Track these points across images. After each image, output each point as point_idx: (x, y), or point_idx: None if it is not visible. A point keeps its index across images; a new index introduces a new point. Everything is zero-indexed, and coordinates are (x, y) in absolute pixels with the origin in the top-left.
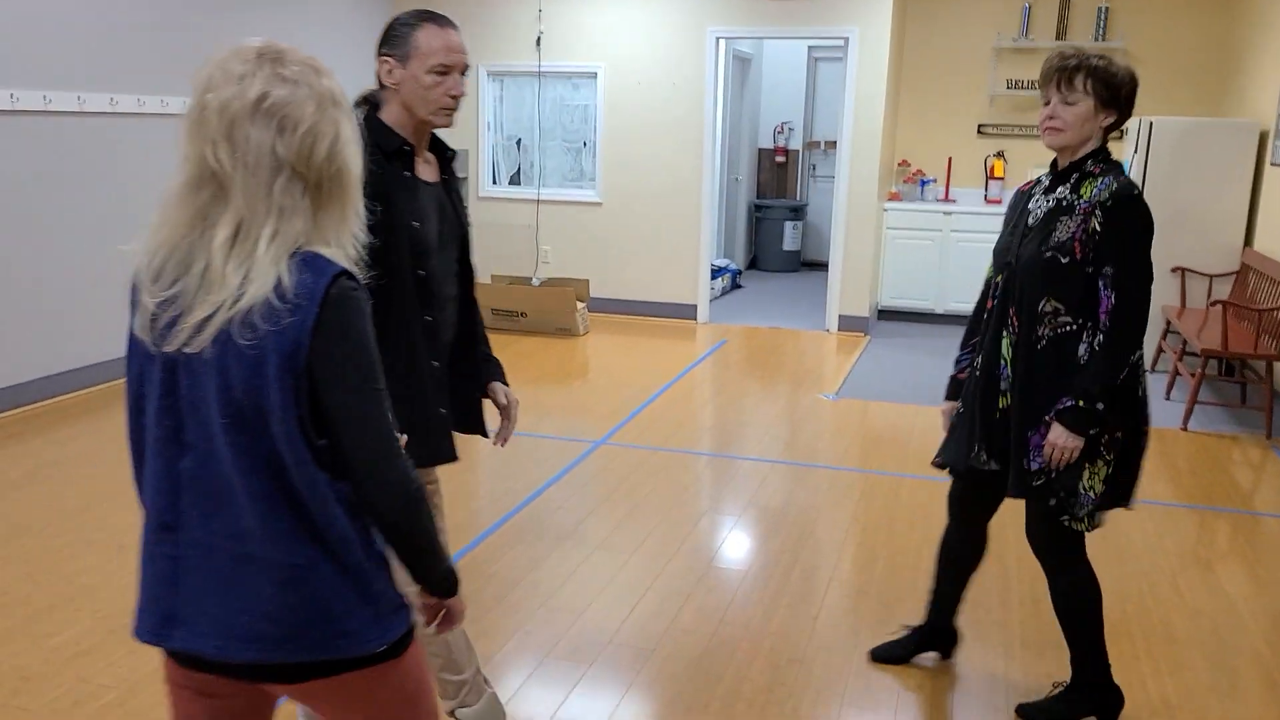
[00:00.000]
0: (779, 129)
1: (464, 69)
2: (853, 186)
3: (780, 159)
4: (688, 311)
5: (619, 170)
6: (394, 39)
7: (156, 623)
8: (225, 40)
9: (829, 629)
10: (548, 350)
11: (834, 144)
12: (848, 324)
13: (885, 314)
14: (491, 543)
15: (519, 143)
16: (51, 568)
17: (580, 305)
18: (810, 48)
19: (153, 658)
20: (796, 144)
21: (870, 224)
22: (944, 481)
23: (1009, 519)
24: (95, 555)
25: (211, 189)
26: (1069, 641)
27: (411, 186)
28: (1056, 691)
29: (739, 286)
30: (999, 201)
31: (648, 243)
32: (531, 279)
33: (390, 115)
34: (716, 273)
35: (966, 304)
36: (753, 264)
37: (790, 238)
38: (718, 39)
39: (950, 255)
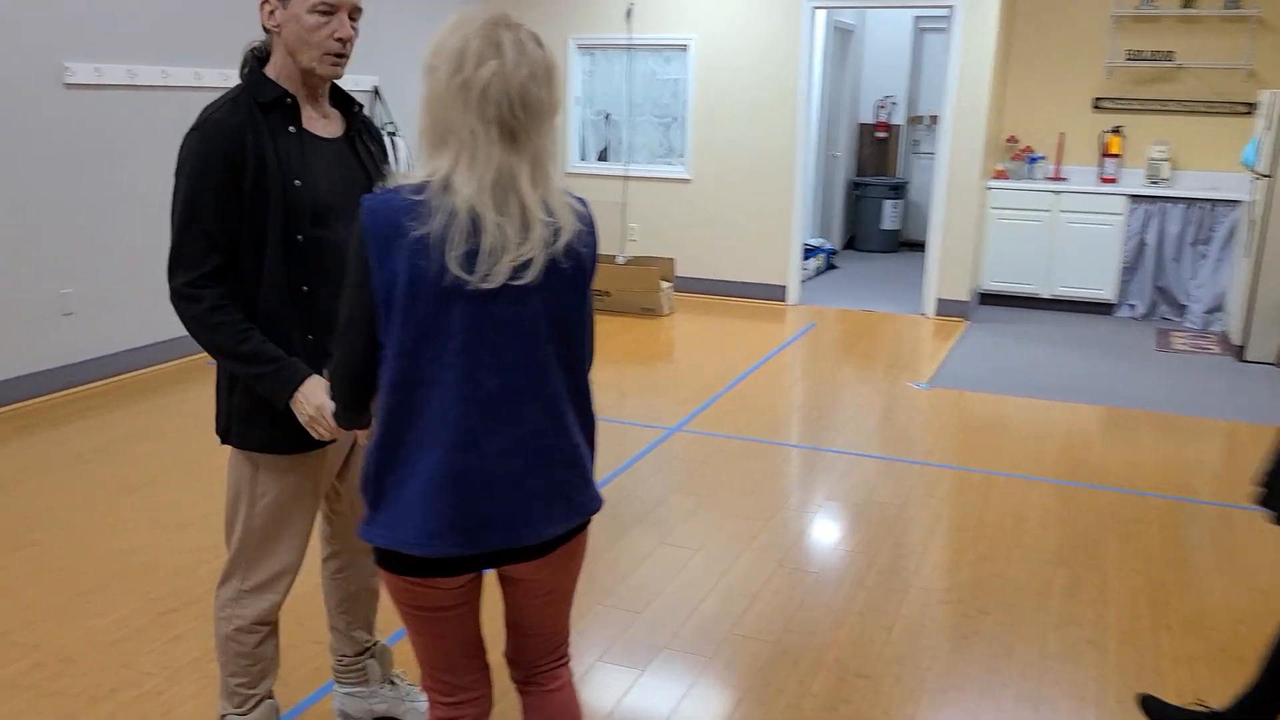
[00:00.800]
0: (881, 103)
1: (354, 10)
2: (954, 163)
3: (881, 135)
4: (777, 293)
5: (709, 146)
6: None
7: (472, 532)
8: None
9: (904, 641)
10: (630, 330)
11: (938, 119)
12: (946, 308)
13: (987, 298)
14: None
15: (608, 117)
16: (107, 543)
17: (665, 285)
18: (916, 18)
19: (200, 643)
20: (899, 119)
21: (972, 203)
22: (1044, 482)
23: None
24: (153, 533)
25: (499, 128)
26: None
27: (296, 142)
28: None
29: (834, 267)
30: (1114, 180)
31: (737, 221)
32: (616, 257)
33: (275, 66)
34: (810, 253)
35: (1075, 289)
36: (849, 244)
37: (890, 217)
38: (815, 9)
39: (1059, 237)
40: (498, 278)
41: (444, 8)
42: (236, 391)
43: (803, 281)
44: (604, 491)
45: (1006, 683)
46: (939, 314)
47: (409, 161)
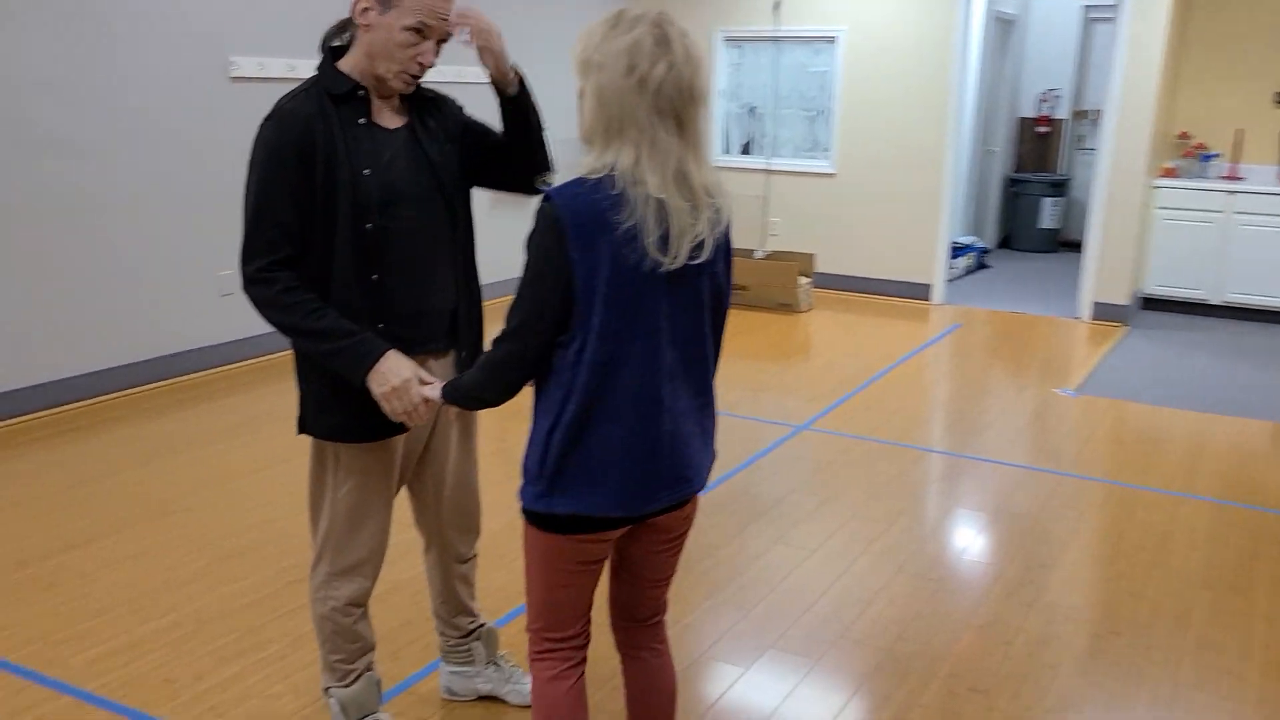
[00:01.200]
0: (1044, 97)
1: (444, 38)
2: (1117, 160)
3: (1043, 129)
4: (921, 291)
5: (856, 140)
6: None
7: (656, 489)
8: None
9: (1024, 658)
10: (766, 326)
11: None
12: (1102, 312)
13: (1149, 303)
14: None
15: (752, 110)
16: (249, 514)
17: (804, 280)
18: (1085, 6)
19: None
20: (1063, 113)
21: (1135, 202)
22: (1195, 499)
23: None
24: (291, 506)
25: (669, 122)
26: None
27: (366, 133)
28: None
29: (985, 266)
30: None
31: (882, 217)
32: (755, 251)
33: (351, 60)
34: (960, 251)
35: (1249, 295)
36: (1005, 242)
37: (1049, 215)
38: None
39: (1233, 240)
40: (681, 259)
41: (594, 7)
42: (313, 380)
43: (950, 280)
44: (725, 487)
45: (1132, 708)
46: (1095, 318)
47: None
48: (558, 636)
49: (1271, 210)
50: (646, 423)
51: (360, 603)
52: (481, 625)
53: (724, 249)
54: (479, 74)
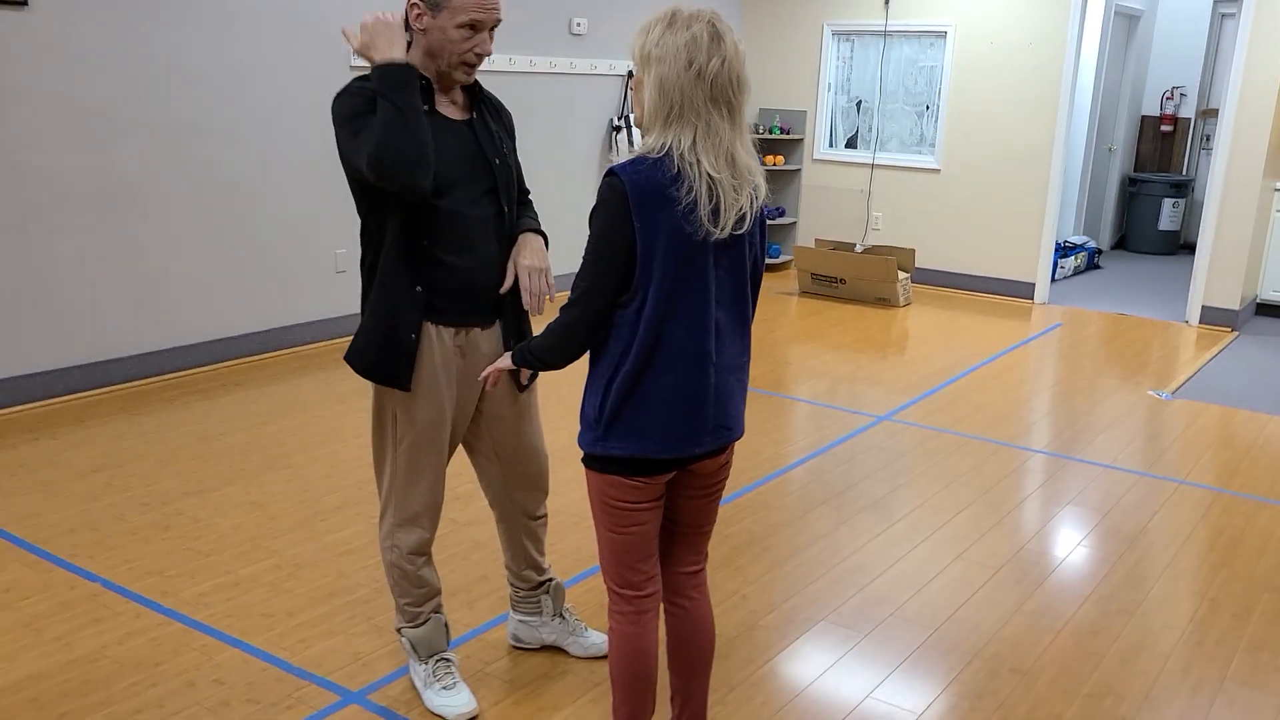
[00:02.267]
0: (1168, 94)
1: (495, 25)
2: (1234, 161)
3: (1167, 128)
4: (1024, 290)
5: (962, 136)
6: None
7: (700, 434)
8: None
9: (1069, 645)
10: (861, 319)
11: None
12: (1212, 316)
13: (1264, 309)
14: (750, 499)
15: (859, 105)
16: (349, 473)
17: (903, 275)
18: (1215, 1)
19: None
20: (1188, 112)
21: (1252, 205)
22: (1275, 504)
23: None
24: None
25: (722, 111)
26: None
27: (428, 119)
28: None
29: (1097, 267)
30: None
31: (986, 214)
32: (855, 245)
33: (412, 55)
34: (1070, 250)
35: None
36: (1120, 243)
37: (1169, 216)
38: None
39: None
40: (728, 229)
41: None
42: (398, 336)
43: (1058, 280)
44: (798, 471)
45: (1172, 699)
46: (1203, 322)
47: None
48: (630, 591)
49: None
50: (695, 374)
51: (422, 551)
52: (550, 580)
53: (760, 221)
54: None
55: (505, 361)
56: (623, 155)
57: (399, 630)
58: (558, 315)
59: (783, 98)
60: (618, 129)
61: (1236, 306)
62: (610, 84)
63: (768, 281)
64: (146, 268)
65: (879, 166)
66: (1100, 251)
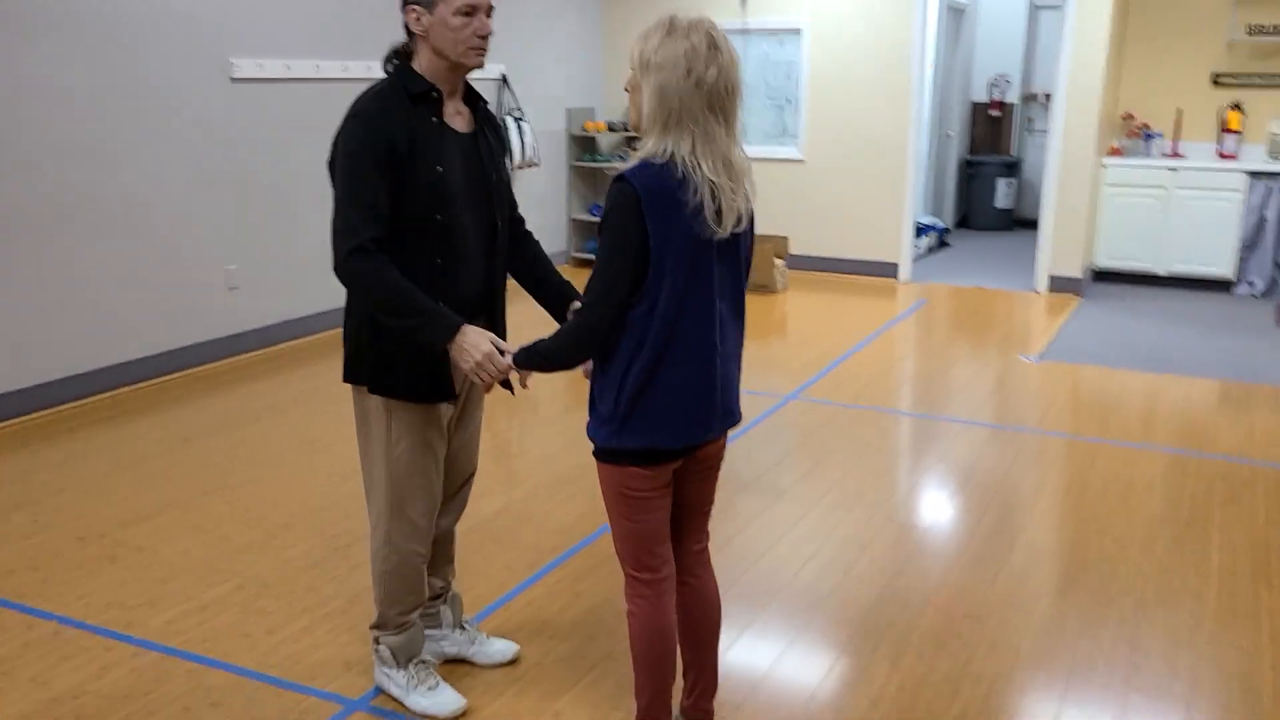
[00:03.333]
0: (994, 82)
1: (489, 8)
2: (1068, 141)
3: (995, 113)
4: (889, 270)
5: (822, 127)
6: None
7: (710, 421)
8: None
9: (1009, 588)
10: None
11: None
12: (1058, 285)
13: (1100, 275)
14: None
15: None
16: (288, 489)
17: (779, 262)
18: None
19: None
20: (1013, 97)
21: (1085, 180)
22: (1150, 449)
23: None
24: (324, 480)
25: (718, 117)
26: None
27: (437, 132)
28: None
29: (946, 245)
30: (1234, 157)
31: (850, 200)
32: None
33: (421, 63)
34: (922, 231)
35: (1192, 266)
36: (963, 222)
37: (1003, 195)
38: None
39: (1176, 214)
40: (728, 229)
41: (565, 2)
42: (380, 342)
43: (915, 259)
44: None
45: (1105, 624)
46: (1051, 290)
47: (534, 145)
48: (649, 574)
49: (1210, 185)
50: (703, 365)
51: (424, 555)
52: (449, 590)
53: (751, 218)
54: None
55: (506, 362)
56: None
57: (377, 640)
58: (573, 317)
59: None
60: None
61: (1079, 274)
62: (484, 88)
63: None
64: (26, 294)
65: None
66: (948, 230)
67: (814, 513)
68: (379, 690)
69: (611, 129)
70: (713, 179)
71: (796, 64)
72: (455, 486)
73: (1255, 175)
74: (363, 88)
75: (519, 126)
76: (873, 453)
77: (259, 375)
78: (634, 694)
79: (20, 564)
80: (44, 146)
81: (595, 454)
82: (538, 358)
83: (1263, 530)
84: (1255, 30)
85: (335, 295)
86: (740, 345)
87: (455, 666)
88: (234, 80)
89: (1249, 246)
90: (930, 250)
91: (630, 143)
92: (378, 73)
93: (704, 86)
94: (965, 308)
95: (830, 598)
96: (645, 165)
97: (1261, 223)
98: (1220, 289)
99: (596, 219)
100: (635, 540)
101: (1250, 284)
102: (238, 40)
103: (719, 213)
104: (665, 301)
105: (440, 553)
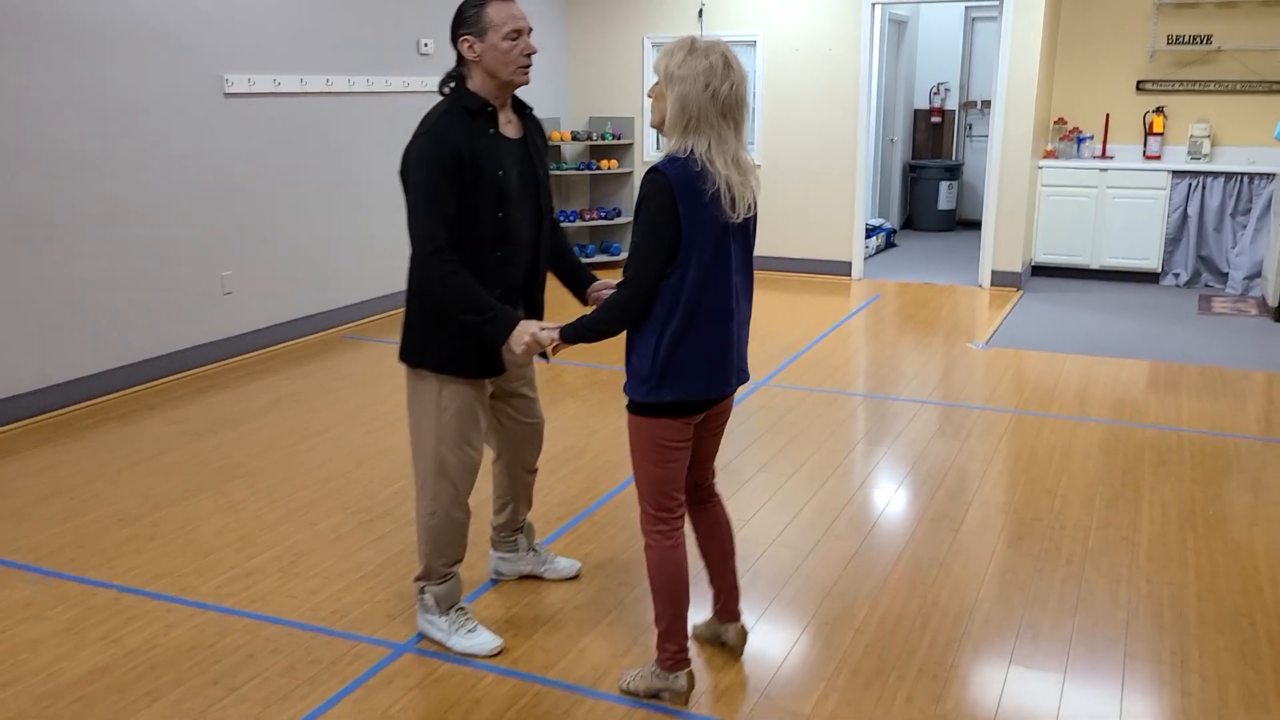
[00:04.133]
0: (935, 90)
1: (530, 30)
2: (1006, 145)
3: (936, 119)
4: (843, 269)
5: (777, 134)
6: (468, 20)
7: (729, 377)
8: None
9: (968, 539)
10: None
11: (990, 103)
12: (1001, 279)
13: (1039, 270)
14: None
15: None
16: (305, 474)
17: None
18: (967, 8)
19: (399, 541)
20: (953, 104)
21: (1024, 182)
22: (1088, 422)
23: None
24: (338, 465)
25: (729, 123)
26: None
27: (495, 141)
28: None
29: (893, 245)
30: (1158, 158)
31: (805, 203)
32: None
33: (475, 83)
34: (871, 232)
35: (1122, 259)
36: (908, 223)
37: (945, 197)
38: (874, 5)
39: (1106, 212)
40: (740, 216)
41: (532, 14)
42: (443, 328)
43: (866, 258)
44: None
45: (1055, 568)
46: (995, 284)
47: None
48: (666, 514)
49: (1137, 184)
50: (724, 329)
51: (465, 514)
52: (526, 521)
53: (755, 204)
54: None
55: (554, 334)
56: None
57: (422, 590)
58: (615, 292)
59: (611, 106)
60: None
61: (1019, 269)
62: None
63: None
64: (46, 300)
65: None
66: (895, 231)
67: (790, 483)
68: (421, 635)
69: (576, 139)
70: (725, 173)
71: (752, 73)
72: (524, 439)
73: (1177, 174)
74: (346, 101)
75: None
76: (840, 431)
77: (256, 375)
78: (654, 621)
79: (68, 543)
80: (50, 158)
81: (631, 409)
82: (585, 331)
83: (1189, 487)
84: (1174, 40)
85: (323, 299)
86: (749, 314)
87: (489, 615)
88: (227, 95)
89: (1173, 240)
90: (880, 250)
91: (594, 153)
92: (360, 87)
93: (719, 98)
94: (915, 302)
95: (813, 553)
96: (673, 159)
97: (1184, 219)
98: (1148, 280)
99: (565, 224)
100: (659, 485)
101: (1175, 275)
102: (230, 58)
103: (733, 201)
104: (694, 273)
105: (521, 495)
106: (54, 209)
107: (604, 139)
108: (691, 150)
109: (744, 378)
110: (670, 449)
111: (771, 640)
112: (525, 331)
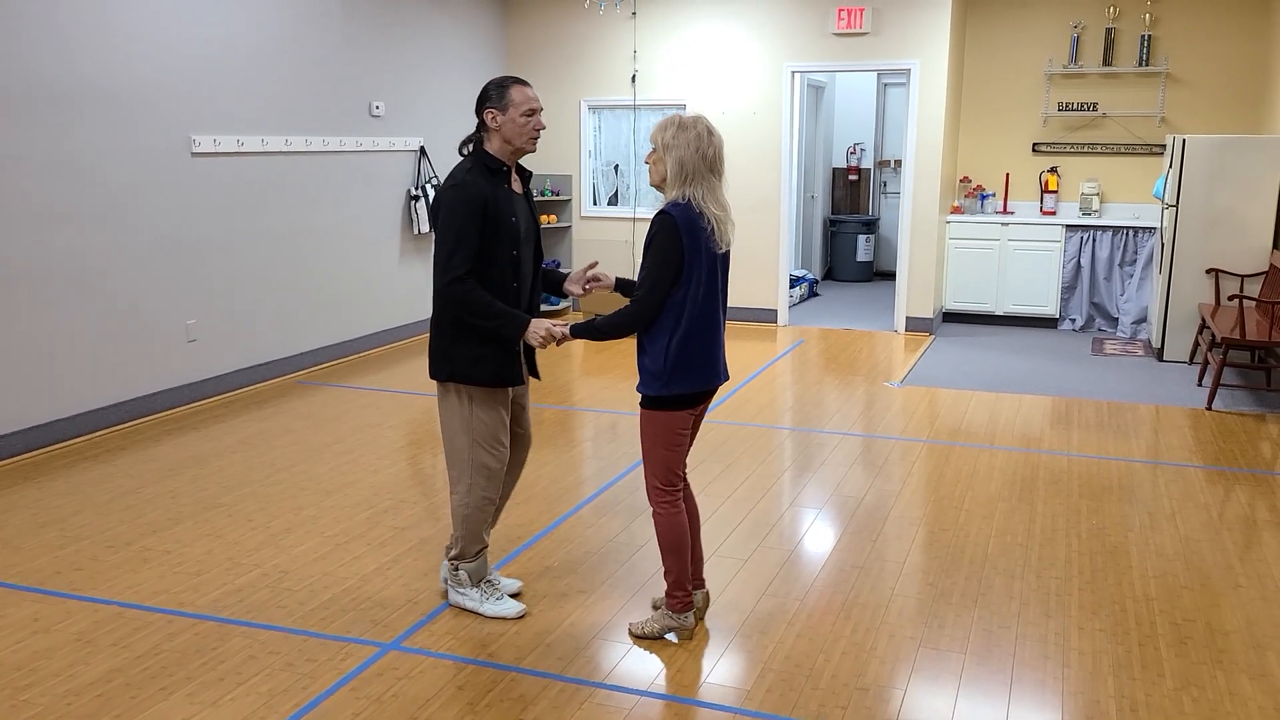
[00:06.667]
0: (851, 150)
1: (541, 109)
2: (917, 202)
3: (853, 177)
4: (769, 316)
5: None
6: (494, 96)
7: (720, 371)
8: (380, 93)
9: (885, 546)
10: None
11: (901, 163)
12: (914, 325)
13: (949, 316)
14: (598, 503)
15: (616, 168)
16: (279, 504)
17: None
18: (879, 74)
19: (378, 558)
20: (868, 163)
21: (934, 235)
22: (992, 449)
23: None
24: (309, 496)
25: (715, 175)
26: None
27: (509, 195)
28: None
29: (816, 294)
30: (1053, 213)
31: (734, 255)
32: None
33: (493, 146)
34: (795, 282)
35: (1023, 306)
36: (829, 274)
37: (863, 250)
38: (793, 73)
39: (1008, 262)
40: (724, 247)
41: (475, 80)
42: (470, 345)
43: (790, 306)
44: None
45: (959, 568)
46: (909, 330)
47: (428, 215)
48: (671, 488)
49: (1035, 237)
50: (713, 335)
51: (496, 500)
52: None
53: (731, 244)
54: (305, 144)
55: (564, 330)
56: (421, 220)
57: (456, 567)
58: (629, 304)
59: (550, 164)
60: (415, 198)
61: (930, 315)
62: (406, 158)
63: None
64: (21, 346)
65: (639, 219)
66: (817, 281)
67: (727, 505)
68: (408, 634)
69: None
70: (715, 213)
71: None
72: (520, 453)
73: (1071, 228)
74: (304, 160)
75: (424, 191)
76: (770, 459)
77: (219, 417)
78: (664, 575)
79: (64, 566)
80: (26, 213)
81: (645, 404)
82: (593, 331)
83: (1076, 502)
84: (1064, 106)
85: (284, 346)
86: (724, 324)
87: (464, 620)
88: (194, 154)
89: (1068, 289)
90: (803, 299)
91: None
92: (316, 146)
93: (707, 158)
94: (836, 345)
95: (749, 561)
96: (676, 204)
97: (1078, 269)
98: (1047, 325)
99: None
100: (669, 464)
101: (1071, 320)
102: (197, 120)
103: (721, 237)
104: (695, 291)
105: (501, 501)
106: (29, 261)
107: (544, 195)
108: (689, 198)
109: (726, 374)
110: (679, 435)
111: (716, 632)
112: (540, 326)
